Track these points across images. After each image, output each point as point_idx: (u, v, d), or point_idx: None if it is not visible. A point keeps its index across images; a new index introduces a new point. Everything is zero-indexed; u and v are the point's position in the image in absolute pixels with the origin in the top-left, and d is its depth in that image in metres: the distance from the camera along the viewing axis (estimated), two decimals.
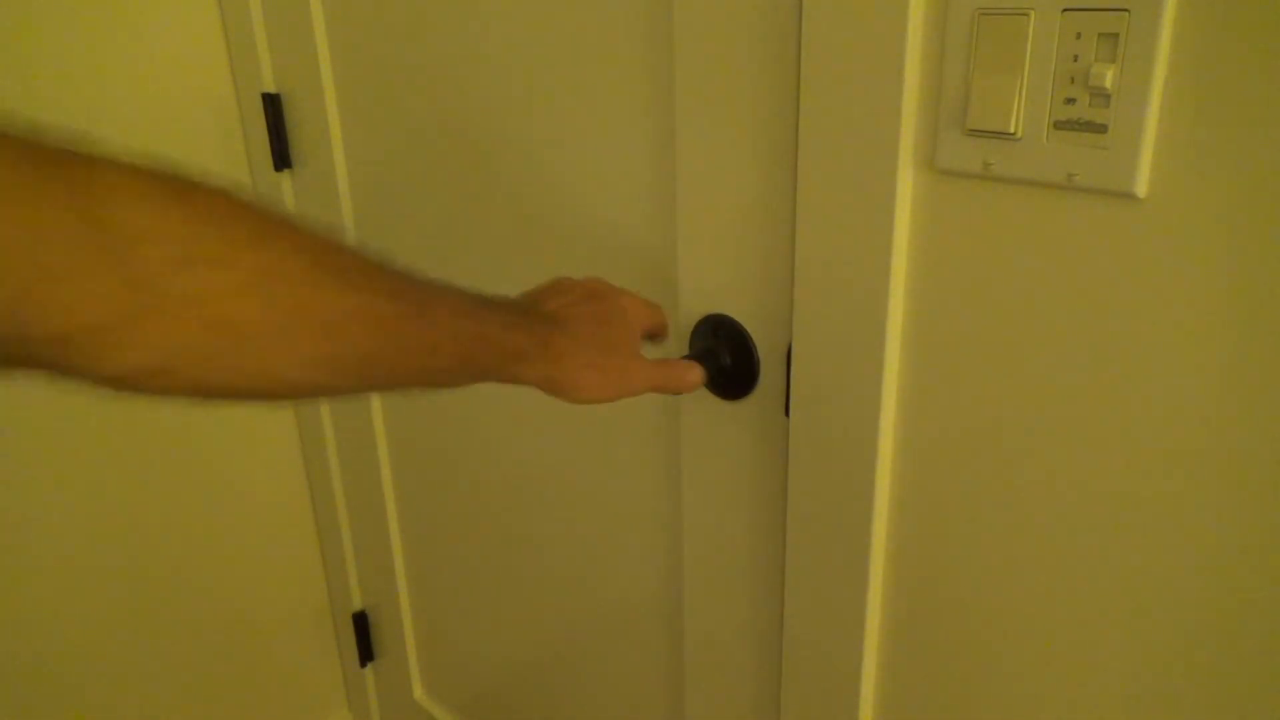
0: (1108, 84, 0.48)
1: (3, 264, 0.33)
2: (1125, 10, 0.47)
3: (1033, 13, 0.50)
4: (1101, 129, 0.49)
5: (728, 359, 0.73)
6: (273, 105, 1.12)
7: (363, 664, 1.46)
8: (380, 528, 1.29)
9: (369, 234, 1.11)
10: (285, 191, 1.17)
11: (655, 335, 0.71)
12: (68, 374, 0.39)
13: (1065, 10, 0.49)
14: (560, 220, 0.87)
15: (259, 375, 0.44)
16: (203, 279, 0.40)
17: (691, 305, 0.76)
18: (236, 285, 0.41)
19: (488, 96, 0.89)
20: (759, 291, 0.71)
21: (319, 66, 1.05)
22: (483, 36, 0.87)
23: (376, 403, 1.22)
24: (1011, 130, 0.52)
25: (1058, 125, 0.51)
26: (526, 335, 0.57)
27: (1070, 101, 0.50)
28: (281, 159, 1.15)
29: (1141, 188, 0.49)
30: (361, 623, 1.43)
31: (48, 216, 0.35)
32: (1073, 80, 0.50)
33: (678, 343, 0.78)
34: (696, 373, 0.69)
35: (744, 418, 0.76)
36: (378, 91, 1.01)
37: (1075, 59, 0.49)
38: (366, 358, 0.48)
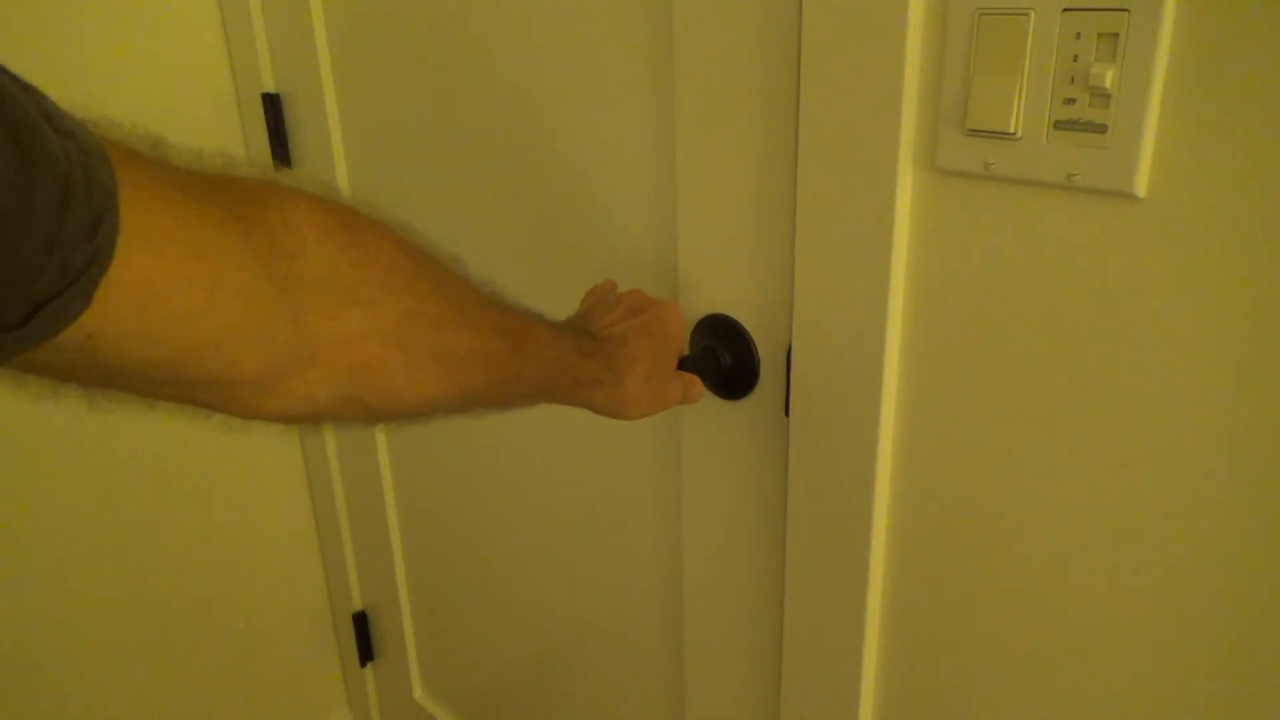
0: (1108, 84, 0.48)
1: (187, 311, 0.31)
2: (1125, 10, 0.47)
3: (1033, 13, 0.50)
4: (1101, 129, 0.49)
5: (728, 359, 0.73)
6: (273, 105, 1.12)
7: (363, 664, 1.46)
8: (380, 528, 1.29)
9: None
10: None
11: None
12: (217, 411, 0.39)
13: (1065, 10, 0.49)
14: (560, 221, 0.87)
15: (380, 411, 0.47)
16: (354, 322, 0.41)
17: (692, 305, 0.76)
18: (381, 329, 0.43)
19: (487, 96, 0.89)
20: (759, 291, 0.71)
21: (319, 66, 1.05)
22: (483, 36, 0.87)
23: None
24: (1011, 130, 0.52)
25: (1058, 125, 0.51)
26: (597, 361, 0.60)
27: (1070, 101, 0.50)
28: (281, 159, 1.15)
29: (1141, 188, 0.49)
30: (361, 623, 1.43)
31: (231, 268, 0.33)
32: (1073, 80, 0.50)
33: None
34: (701, 386, 0.72)
35: (744, 418, 0.76)
36: (378, 91, 1.01)
37: (1075, 59, 0.49)
38: (470, 392, 0.51)
